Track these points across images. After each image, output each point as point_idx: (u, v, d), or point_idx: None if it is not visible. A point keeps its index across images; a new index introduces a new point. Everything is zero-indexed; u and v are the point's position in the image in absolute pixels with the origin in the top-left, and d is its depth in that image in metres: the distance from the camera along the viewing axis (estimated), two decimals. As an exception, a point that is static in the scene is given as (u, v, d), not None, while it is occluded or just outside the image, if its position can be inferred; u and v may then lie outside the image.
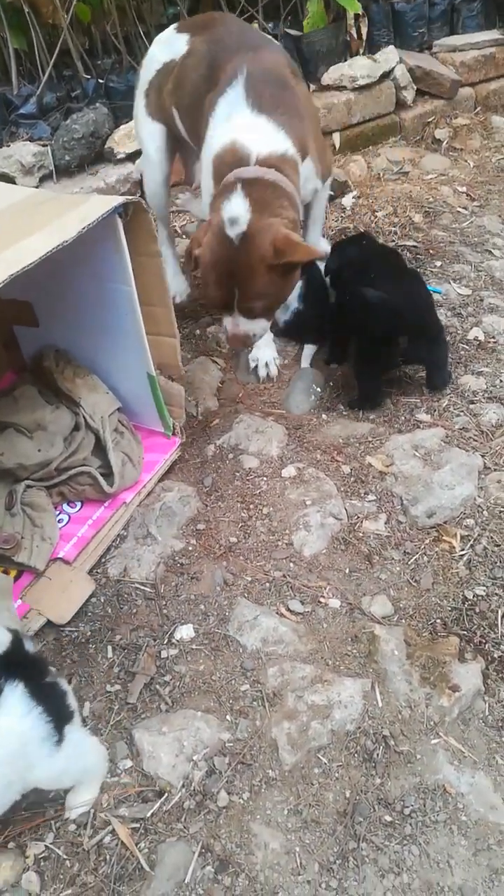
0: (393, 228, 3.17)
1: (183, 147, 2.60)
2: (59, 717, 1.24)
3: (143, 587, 1.81)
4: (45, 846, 1.35)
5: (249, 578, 1.81)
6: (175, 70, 2.33)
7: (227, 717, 1.52)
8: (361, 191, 3.52)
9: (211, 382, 2.44)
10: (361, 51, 3.99)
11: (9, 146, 3.31)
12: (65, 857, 1.34)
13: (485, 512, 1.91)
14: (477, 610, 1.69)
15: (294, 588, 1.78)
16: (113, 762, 1.47)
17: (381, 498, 1.99)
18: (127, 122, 3.49)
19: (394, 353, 2.20)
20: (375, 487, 2.01)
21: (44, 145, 3.35)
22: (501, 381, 2.31)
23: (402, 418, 2.23)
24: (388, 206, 3.36)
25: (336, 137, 3.91)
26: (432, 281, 2.82)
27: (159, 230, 2.64)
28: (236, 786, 1.42)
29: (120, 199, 1.66)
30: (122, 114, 3.53)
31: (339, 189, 3.49)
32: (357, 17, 3.91)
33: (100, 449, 2.01)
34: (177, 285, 2.78)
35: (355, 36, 3.96)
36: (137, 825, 1.37)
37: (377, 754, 1.45)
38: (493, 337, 2.51)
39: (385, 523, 1.92)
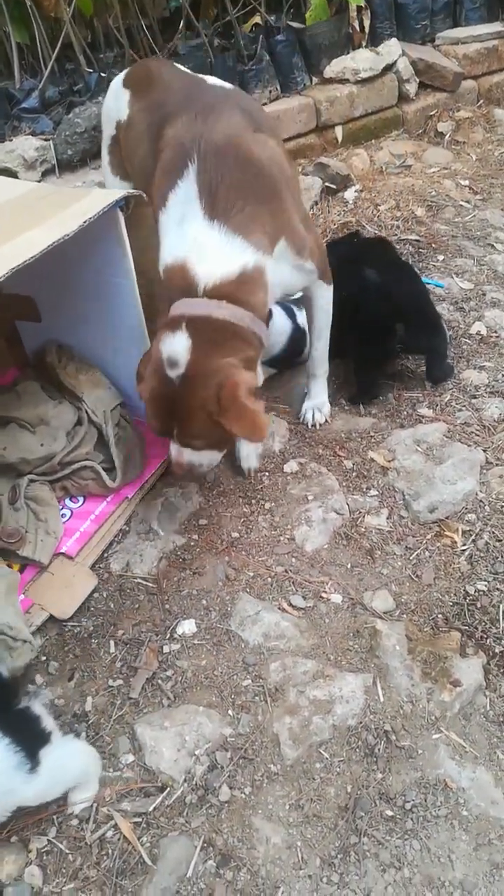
0: (395, 222, 3.16)
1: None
2: (30, 744, 1.24)
3: (145, 582, 1.82)
4: (48, 840, 1.36)
5: (251, 573, 1.81)
6: (122, 138, 2.13)
7: (229, 712, 1.53)
8: (364, 184, 3.50)
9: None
10: (364, 43, 3.97)
11: (11, 140, 3.30)
12: (67, 851, 1.34)
13: (486, 507, 1.90)
14: (478, 605, 1.69)
15: (296, 583, 1.78)
16: (115, 757, 1.47)
17: (382, 493, 1.99)
18: (129, 115, 3.48)
19: (391, 341, 2.18)
20: (377, 482, 2.01)
21: (46, 139, 3.34)
22: (500, 374, 2.30)
23: (404, 413, 2.22)
24: (390, 200, 3.35)
25: (339, 130, 3.89)
26: (434, 275, 2.81)
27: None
28: (238, 780, 1.42)
29: (121, 193, 1.66)
30: (123, 108, 3.51)
31: (342, 183, 3.48)
32: (359, 9, 3.88)
33: (102, 444, 2.01)
34: None
35: (358, 28, 3.93)
36: (139, 819, 1.38)
37: (378, 749, 1.45)
38: (496, 331, 2.50)
39: (387, 518, 1.92)
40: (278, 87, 3.80)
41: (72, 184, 3.29)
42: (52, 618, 1.73)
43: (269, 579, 1.80)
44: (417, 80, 4.00)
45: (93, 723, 1.54)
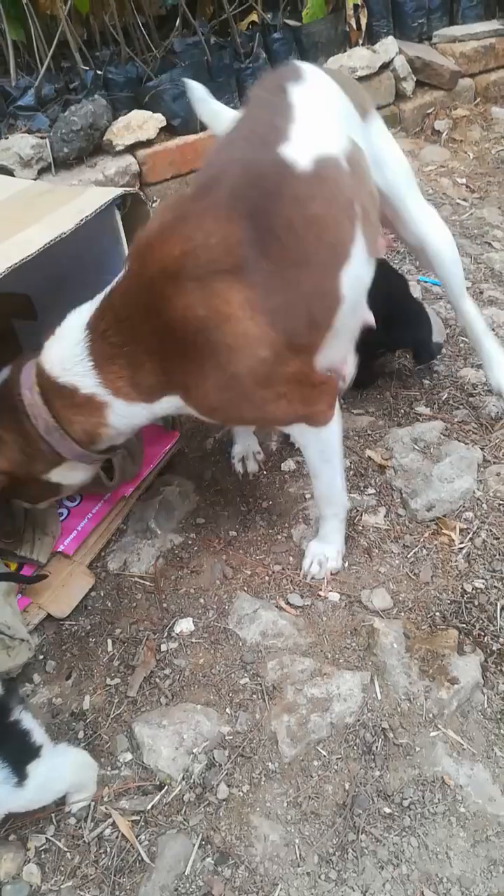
0: (392, 221, 3.16)
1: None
2: (18, 758, 1.24)
3: (142, 581, 1.82)
4: (46, 838, 1.36)
5: (249, 572, 1.81)
6: None
7: (227, 711, 1.53)
8: (361, 183, 3.50)
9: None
10: (361, 41, 3.97)
11: (7, 138, 3.30)
12: (65, 849, 1.34)
13: (484, 505, 1.91)
14: (476, 603, 1.69)
15: (293, 581, 1.78)
16: (113, 755, 1.48)
17: (380, 491, 1.99)
18: (125, 113, 3.48)
19: (370, 344, 2.14)
20: (375, 481, 2.01)
21: (42, 137, 3.34)
22: (501, 373, 2.30)
23: (402, 411, 2.23)
24: (387, 199, 3.34)
25: (335, 129, 3.89)
26: (431, 273, 2.81)
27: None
28: (236, 778, 1.42)
29: (118, 191, 1.66)
30: (120, 105, 3.51)
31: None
32: (356, 7, 3.89)
33: (99, 443, 2.01)
34: None
35: (354, 26, 3.93)
36: (138, 818, 1.38)
37: (376, 747, 1.45)
38: (493, 329, 2.50)
39: (384, 516, 1.92)
40: (275, 85, 3.79)
41: (68, 182, 3.29)
42: (49, 617, 1.73)
43: (267, 578, 1.80)
44: (414, 78, 4.00)
45: (90, 721, 1.54)
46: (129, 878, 1.30)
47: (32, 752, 1.27)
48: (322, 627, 1.68)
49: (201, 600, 1.76)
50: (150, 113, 3.47)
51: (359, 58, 3.82)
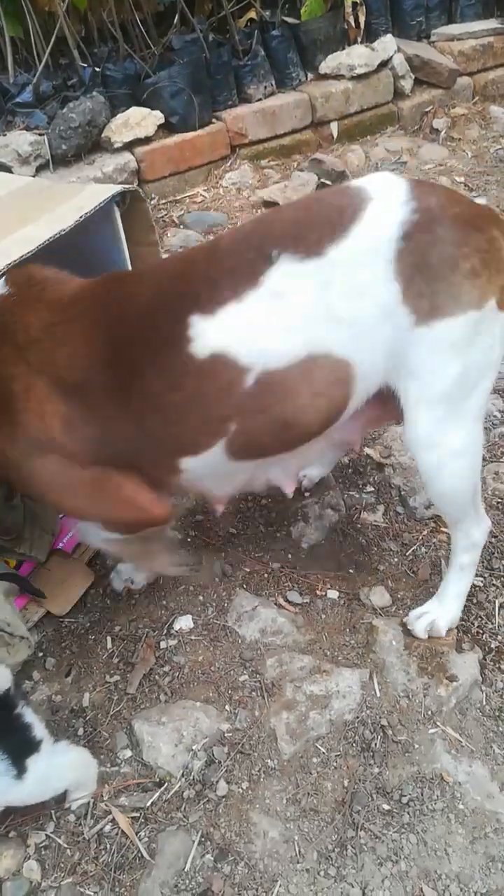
0: (391, 219, 3.16)
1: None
2: (18, 752, 1.25)
3: (141, 578, 1.82)
4: (46, 835, 1.36)
5: (248, 569, 1.82)
6: None
7: (226, 708, 1.53)
8: (359, 181, 3.51)
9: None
10: (359, 39, 3.98)
11: (5, 135, 3.29)
12: (65, 845, 1.34)
13: (483, 503, 1.91)
14: (474, 601, 1.70)
15: (292, 579, 1.78)
16: (113, 752, 1.48)
17: (379, 489, 1.99)
18: (124, 110, 3.47)
19: None
20: (374, 479, 2.02)
21: (40, 134, 3.33)
22: (500, 372, 2.30)
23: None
24: (386, 197, 3.35)
25: (334, 127, 3.90)
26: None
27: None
28: (235, 775, 1.42)
29: (117, 188, 1.65)
30: (118, 102, 3.51)
31: (337, 179, 3.48)
32: (355, 5, 3.89)
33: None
34: None
35: (353, 24, 3.94)
36: (137, 814, 1.38)
37: (375, 744, 1.46)
38: None
39: (383, 514, 1.93)
40: (273, 83, 3.81)
41: (66, 179, 3.28)
42: (48, 614, 1.73)
43: (266, 575, 1.80)
44: (413, 76, 4.01)
45: (90, 718, 1.54)
46: (129, 874, 1.30)
47: (33, 746, 1.27)
48: (321, 625, 1.68)
49: (200, 597, 1.76)
50: (148, 110, 3.47)
51: (357, 56, 3.83)
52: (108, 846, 1.34)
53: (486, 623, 1.65)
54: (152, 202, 3.44)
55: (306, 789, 1.40)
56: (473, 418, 1.41)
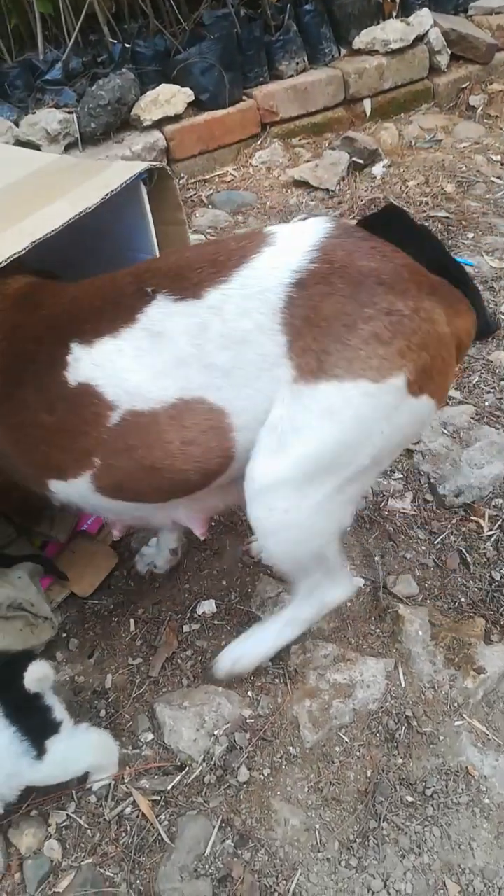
0: (424, 199, 3.09)
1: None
2: (38, 733, 1.25)
3: (165, 561, 1.81)
4: (67, 815, 1.36)
5: (272, 555, 1.79)
6: None
7: (249, 694, 1.52)
8: (392, 159, 3.43)
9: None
10: (395, 14, 3.87)
11: (34, 113, 3.27)
12: (86, 826, 1.35)
13: (514, 491, 1.87)
14: (504, 591, 1.66)
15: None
16: (134, 735, 1.47)
17: (407, 476, 1.95)
18: (153, 87, 3.43)
19: None
20: (402, 465, 1.98)
21: (69, 112, 3.30)
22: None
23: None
24: (419, 176, 3.27)
25: (367, 104, 3.81)
26: (464, 253, 2.74)
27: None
28: (257, 762, 1.41)
29: (144, 165, 1.62)
30: (148, 80, 3.46)
31: (370, 157, 3.40)
32: (391, -23, 3.78)
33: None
34: None
35: (388, -3, 3.83)
36: (158, 797, 1.38)
37: (399, 734, 1.43)
38: (527, 311, 2.44)
39: (411, 502, 1.89)
40: (306, 59, 3.72)
41: (95, 158, 3.25)
42: (72, 595, 1.73)
43: (291, 561, 1.78)
44: (449, 51, 3.90)
45: (112, 700, 1.54)
46: (149, 857, 1.30)
47: (53, 727, 1.28)
48: (346, 613, 1.66)
49: (224, 582, 1.75)
50: (178, 87, 3.42)
51: (392, 30, 3.73)
52: (129, 828, 1.34)
53: (515, 614, 1.62)
54: (181, 181, 3.40)
55: (328, 778, 1.39)
56: (328, 497, 1.22)
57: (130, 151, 3.29)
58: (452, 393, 2.16)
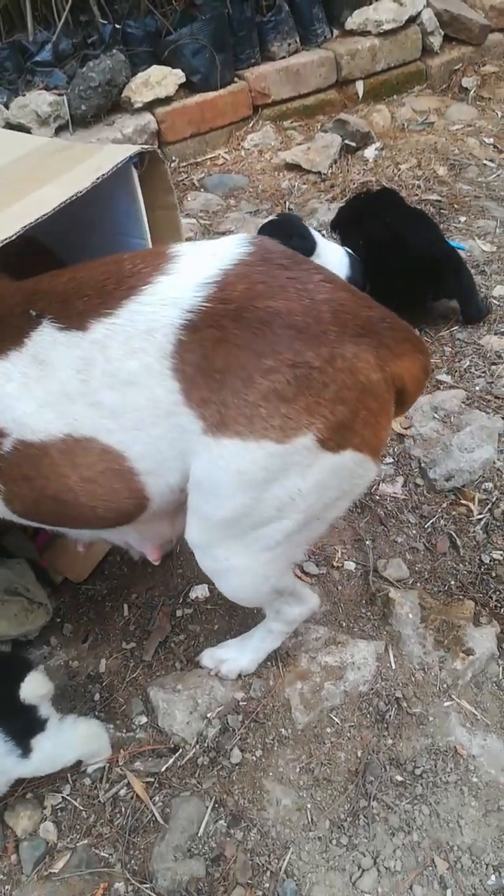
0: (416, 182, 3.08)
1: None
2: (22, 733, 1.26)
3: (158, 546, 1.81)
4: (63, 797, 1.38)
5: (265, 539, 1.80)
6: None
7: (241, 677, 1.53)
8: (385, 142, 3.41)
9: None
10: (388, -7, 3.82)
11: (24, 95, 3.23)
12: (81, 808, 1.36)
13: (504, 476, 1.88)
14: (493, 574, 1.68)
15: (309, 550, 1.77)
16: (128, 718, 1.49)
17: (398, 460, 1.96)
18: (144, 69, 3.39)
19: (411, 285, 2.19)
20: (393, 450, 1.99)
21: (60, 94, 3.26)
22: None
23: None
24: (411, 159, 3.25)
25: (360, 86, 3.78)
26: (456, 237, 2.74)
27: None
28: (249, 743, 1.43)
29: (135, 148, 1.61)
30: (139, 61, 3.42)
31: (362, 140, 3.38)
32: (384, -44, 3.74)
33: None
34: None
35: (382, -23, 3.79)
36: (152, 779, 1.39)
37: (389, 715, 1.45)
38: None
39: (402, 486, 1.90)
40: (297, 40, 3.69)
41: (85, 140, 3.22)
42: (66, 580, 1.74)
43: (283, 545, 1.79)
44: (442, 32, 3.87)
45: (106, 684, 1.55)
46: (143, 837, 1.32)
47: (38, 725, 1.29)
48: (337, 596, 1.67)
49: (217, 567, 1.76)
50: (168, 69, 3.39)
51: (385, 11, 3.69)
52: (123, 810, 1.36)
53: (504, 597, 1.64)
54: (172, 165, 3.38)
55: (320, 759, 1.41)
56: (269, 548, 1.18)
57: (121, 134, 3.26)
58: (443, 377, 2.17)
